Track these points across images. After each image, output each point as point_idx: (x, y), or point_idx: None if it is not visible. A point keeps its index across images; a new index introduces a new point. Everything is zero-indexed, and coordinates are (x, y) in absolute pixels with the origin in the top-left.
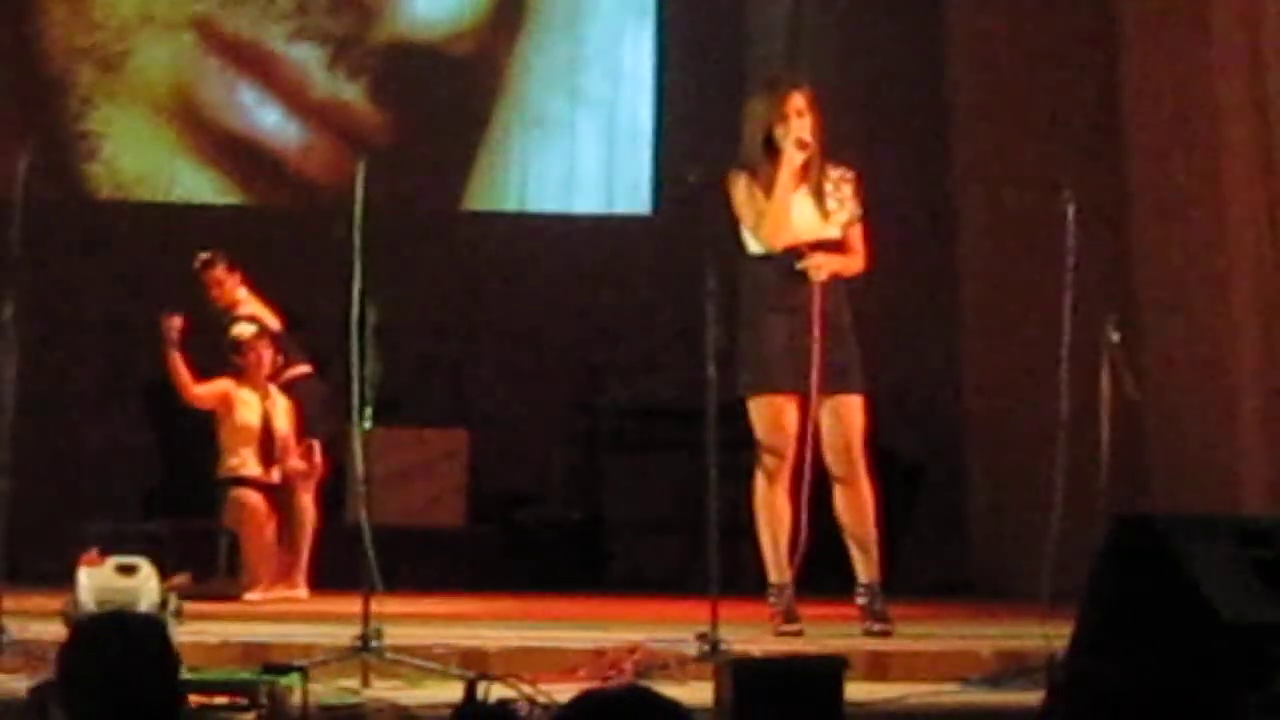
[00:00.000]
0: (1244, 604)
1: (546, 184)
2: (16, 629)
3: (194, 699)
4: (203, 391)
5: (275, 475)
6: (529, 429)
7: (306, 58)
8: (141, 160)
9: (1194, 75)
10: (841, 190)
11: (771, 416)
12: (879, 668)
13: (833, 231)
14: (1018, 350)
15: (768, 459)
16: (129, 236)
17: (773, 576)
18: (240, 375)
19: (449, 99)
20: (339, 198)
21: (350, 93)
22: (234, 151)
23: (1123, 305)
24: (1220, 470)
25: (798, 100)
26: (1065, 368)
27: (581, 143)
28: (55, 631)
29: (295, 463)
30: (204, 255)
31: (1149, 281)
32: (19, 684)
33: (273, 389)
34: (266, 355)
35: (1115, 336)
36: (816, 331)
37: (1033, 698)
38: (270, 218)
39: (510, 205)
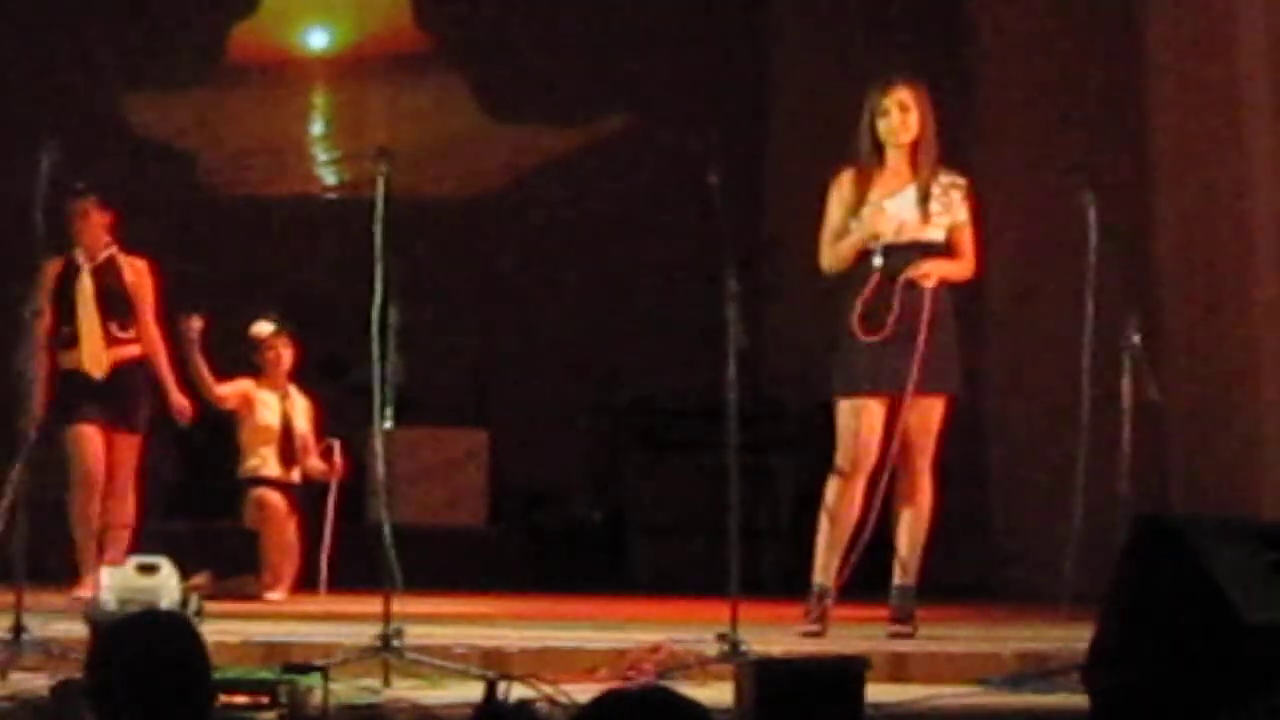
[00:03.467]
0: (1265, 605)
1: None
2: (38, 628)
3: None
4: (225, 391)
5: (296, 475)
6: (550, 428)
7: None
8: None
9: (1219, 79)
10: (949, 195)
11: (852, 419)
12: (900, 669)
13: (934, 234)
14: (1039, 352)
15: (841, 461)
16: (147, 233)
17: (814, 575)
18: (259, 374)
19: None
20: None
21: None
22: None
23: (1144, 307)
24: (1241, 472)
25: (901, 93)
26: (1087, 369)
27: None
28: (76, 631)
29: (314, 462)
30: (80, 185)
31: (1171, 283)
32: (40, 682)
33: (292, 388)
34: (286, 354)
35: (1136, 338)
36: (922, 335)
37: (1054, 700)
38: (286, 212)
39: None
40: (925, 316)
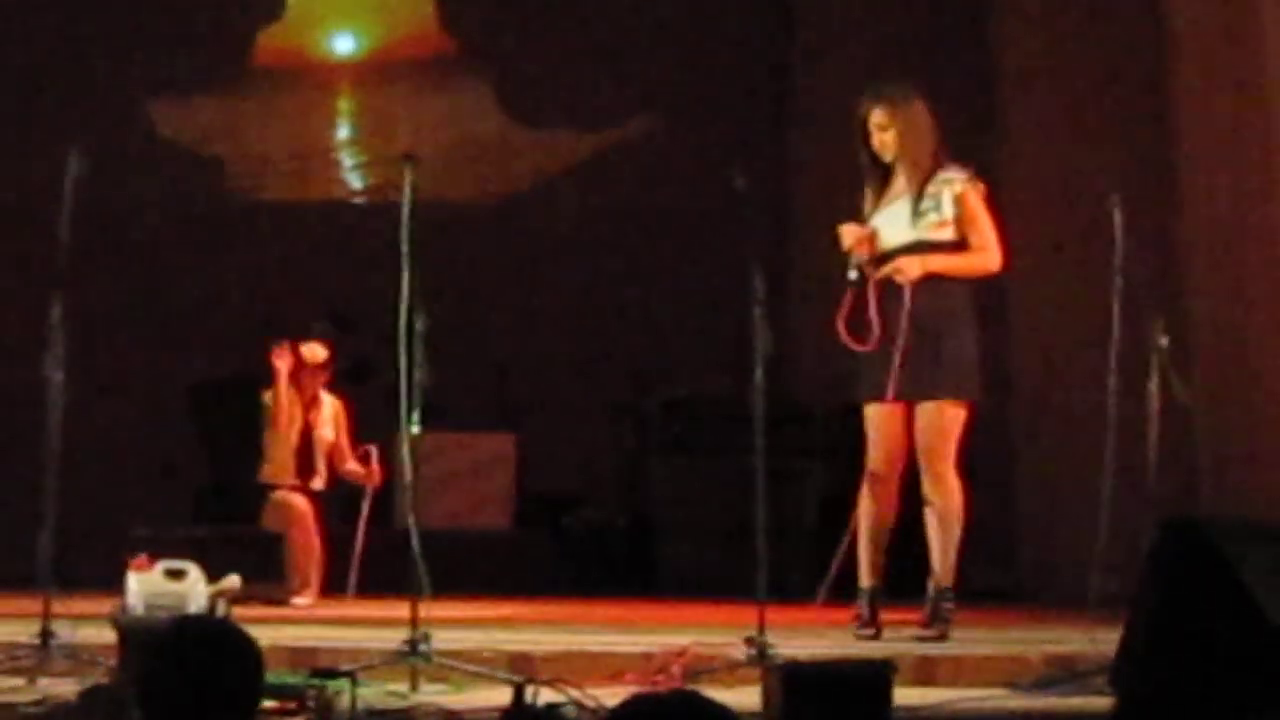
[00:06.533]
0: None
1: None
2: (66, 633)
3: None
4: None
5: (317, 483)
6: (576, 432)
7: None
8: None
9: (1246, 84)
10: (941, 193)
11: (869, 424)
12: (927, 673)
13: (925, 235)
14: (1066, 355)
15: (868, 464)
16: (172, 238)
17: (859, 579)
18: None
19: None
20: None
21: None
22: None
23: (1171, 309)
24: (1269, 474)
25: (876, 116)
26: (1114, 372)
27: None
28: (105, 636)
29: (352, 467)
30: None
31: (1198, 286)
32: (68, 688)
33: (323, 394)
34: (282, 365)
35: (1164, 340)
36: (900, 338)
37: (1081, 703)
38: (312, 217)
39: None
40: (904, 320)
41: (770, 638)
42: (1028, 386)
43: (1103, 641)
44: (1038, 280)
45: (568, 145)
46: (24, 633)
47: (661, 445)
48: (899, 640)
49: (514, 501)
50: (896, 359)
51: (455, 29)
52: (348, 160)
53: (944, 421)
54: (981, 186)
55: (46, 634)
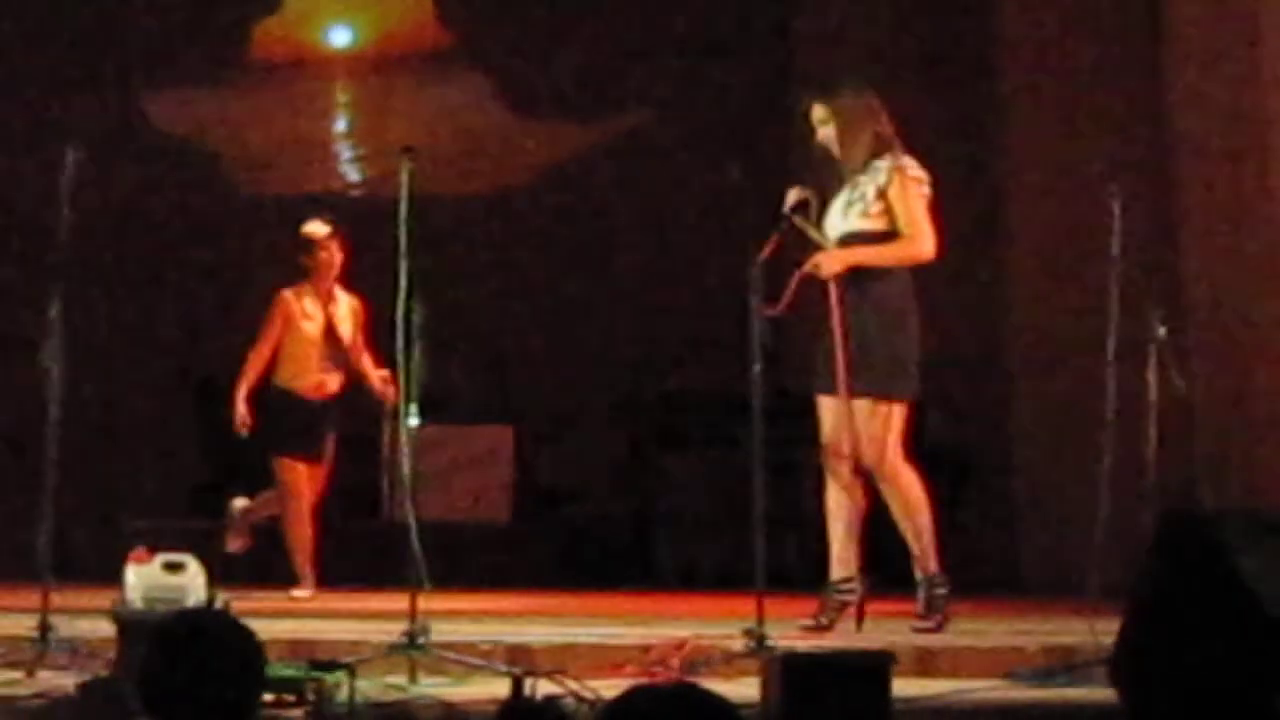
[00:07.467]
0: None
1: None
2: (64, 627)
3: None
4: (266, 343)
5: (334, 383)
6: (575, 424)
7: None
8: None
9: (1244, 77)
10: (870, 182)
11: (820, 408)
12: (926, 663)
13: (851, 225)
14: (1064, 346)
15: (821, 439)
16: (169, 233)
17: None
18: (304, 278)
19: None
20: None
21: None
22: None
23: (1170, 300)
24: (1268, 465)
25: (816, 111)
26: (1112, 362)
27: None
28: (103, 630)
29: (373, 375)
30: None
31: (1196, 276)
32: (67, 680)
33: (339, 291)
34: (338, 256)
35: (1162, 331)
36: (836, 333)
37: (1081, 694)
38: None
39: None
40: (833, 315)
41: (769, 629)
42: (1026, 377)
43: (1102, 632)
44: (1036, 270)
45: (566, 138)
46: (23, 626)
47: (660, 437)
48: (899, 631)
49: (513, 494)
50: (837, 355)
51: (453, 22)
52: (345, 153)
53: (876, 420)
54: (914, 175)
55: (45, 627)
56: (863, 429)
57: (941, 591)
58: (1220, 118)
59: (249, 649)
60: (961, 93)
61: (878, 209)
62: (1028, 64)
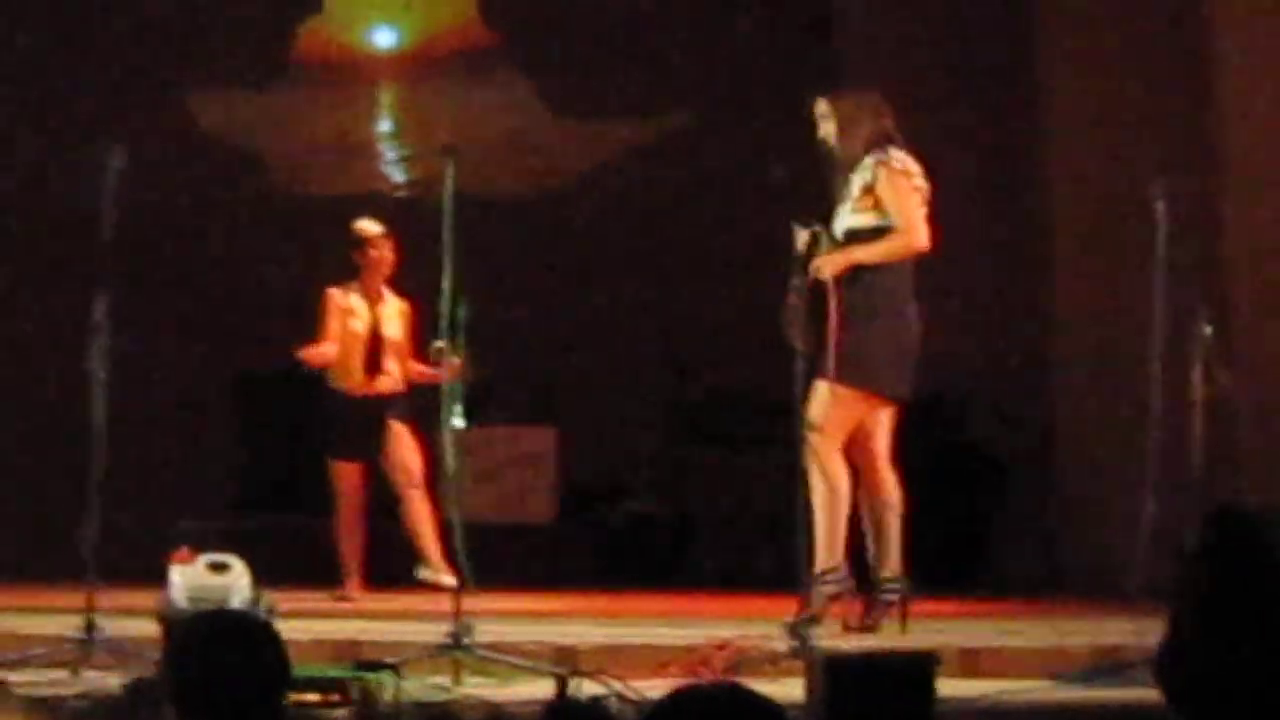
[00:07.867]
0: None
1: None
2: (110, 627)
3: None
4: (327, 340)
5: (386, 383)
6: (618, 425)
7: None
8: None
9: None
10: (861, 177)
11: None
12: (970, 664)
13: (846, 223)
14: (1108, 346)
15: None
16: (214, 233)
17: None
18: (352, 277)
19: None
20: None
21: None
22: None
23: (1214, 300)
24: None
25: (819, 108)
26: (1157, 360)
27: None
28: (148, 630)
29: (420, 369)
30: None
31: (1241, 276)
32: (113, 681)
33: (387, 293)
34: (389, 256)
35: (1207, 331)
36: (832, 320)
37: (1126, 694)
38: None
39: None
40: (833, 314)
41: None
42: (1069, 377)
43: (1147, 633)
44: (1080, 269)
45: (609, 137)
46: (69, 626)
47: (702, 437)
48: (942, 631)
49: (556, 494)
50: (829, 343)
51: (496, 22)
52: (389, 154)
53: (823, 398)
54: (901, 169)
55: (91, 627)
56: (813, 403)
57: (893, 592)
58: (1268, 111)
59: (268, 648)
60: (1000, 93)
61: (866, 204)
62: (1068, 60)
